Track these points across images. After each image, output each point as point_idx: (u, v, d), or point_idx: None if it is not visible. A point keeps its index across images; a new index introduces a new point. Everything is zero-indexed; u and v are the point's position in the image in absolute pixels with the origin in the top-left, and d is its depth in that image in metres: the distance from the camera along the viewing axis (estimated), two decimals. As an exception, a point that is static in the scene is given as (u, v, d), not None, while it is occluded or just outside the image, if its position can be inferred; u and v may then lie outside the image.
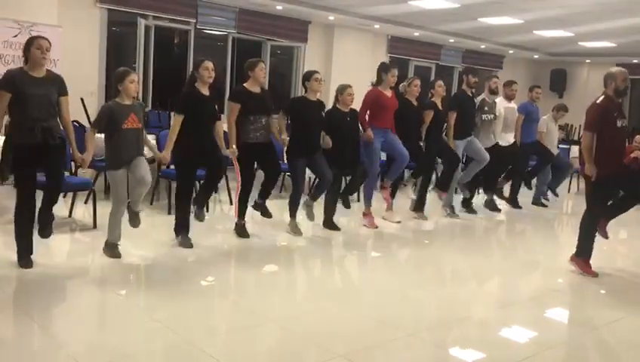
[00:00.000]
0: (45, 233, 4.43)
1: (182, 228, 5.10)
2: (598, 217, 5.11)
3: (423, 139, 6.69)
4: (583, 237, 5.08)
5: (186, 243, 5.05)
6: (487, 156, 7.00)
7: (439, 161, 7.25)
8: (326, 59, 11.59)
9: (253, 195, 5.58)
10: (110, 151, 4.62)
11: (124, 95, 4.58)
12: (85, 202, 6.08)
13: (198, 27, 10.09)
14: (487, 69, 14.63)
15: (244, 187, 5.39)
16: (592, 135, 4.90)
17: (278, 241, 5.66)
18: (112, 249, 4.69)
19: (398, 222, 6.59)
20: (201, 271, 4.64)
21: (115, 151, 4.58)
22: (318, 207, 5.99)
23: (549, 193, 8.60)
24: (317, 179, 6.09)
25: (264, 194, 5.59)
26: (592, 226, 5.06)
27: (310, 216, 5.87)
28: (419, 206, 6.94)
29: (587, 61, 14.79)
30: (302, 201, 5.84)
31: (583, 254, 5.07)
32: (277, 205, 6.44)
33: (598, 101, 4.98)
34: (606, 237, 5.28)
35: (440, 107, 6.72)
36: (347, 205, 6.18)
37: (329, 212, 6.07)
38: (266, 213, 5.63)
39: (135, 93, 4.64)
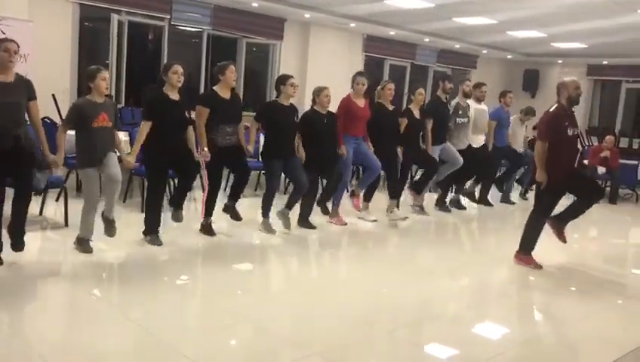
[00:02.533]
0: (17, 246, 4.27)
1: (152, 230, 5.04)
2: (544, 217, 5.22)
3: (400, 145, 6.70)
4: (529, 234, 5.24)
5: (155, 241, 5.01)
6: (461, 160, 7.09)
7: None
8: (302, 57, 11.58)
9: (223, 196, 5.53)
10: (80, 149, 4.57)
11: (95, 92, 4.54)
12: (56, 200, 5.98)
13: (173, 23, 9.98)
14: (462, 68, 14.80)
15: (212, 189, 5.36)
16: (543, 144, 5.03)
17: (253, 240, 5.63)
18: (83, 244, 4.64)
19: (374, 220, 6.63)
20: (176, 269, 4.60)
21: (86, 150, 4.53)
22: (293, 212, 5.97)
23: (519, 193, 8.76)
24: (290, 184, 6.02)
25: (234, 196, 5.56)
26: (538, 225, 5.21)
27: (287, 226, 5.82)
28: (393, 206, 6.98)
29: (559, 62, 15.01)
30: (278, 210, 5.81)
31: (525, 248, 5.25)
32: (252, 204, 6.42)
33: (550, 110, 5.12)
34: (564, 241, 5.31)
35: (417, 115, 6.76)
36: (325, 211, 6.17)
37: (305, 211, 6.06)
38: (235, 216, 5.58)
39: (106, 90, 4.58)
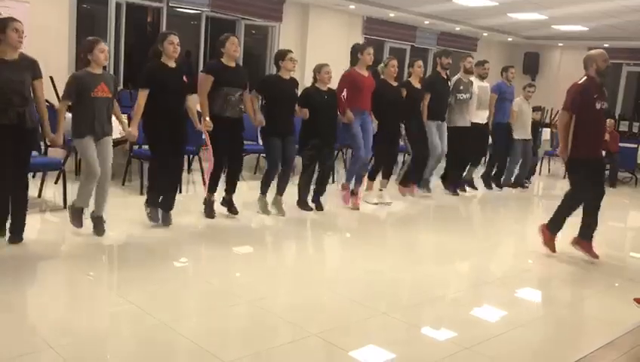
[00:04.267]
0: (15, 237, 4.31)
1: (153, 201, 5.04)
2: (580, 200, 5.03)
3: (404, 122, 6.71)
4: (559, 213, 5.11)
5: (154, 217, 5.03)
6: (439, 149, 7.02)
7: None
8: (301, 39, 11.48)
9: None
10: (78, 119, 4.49)
11: (94, 64, 4.49)
12: (55, 182, 5.97)
13: (171, 5, 9.87)
14: (462, 51, 14.66)
15: (218, 161, 5.30)
16: (568, 115, 4.88)
17: (252, 222, 5.64)
18: (75, 215, 4.60)
19: (389, 203, 6.66)
20: (175, 251, 4.61)
21: (83, 119, 4.47)
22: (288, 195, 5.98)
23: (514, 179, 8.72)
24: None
25: (230, 188, 5.52)
26: (571, 207, 5.07)
27: (281, 212, 5.79)
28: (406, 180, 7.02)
29: (560, 44, 14.92)
30: (271, 201, 5.80)
31: (552, 229, 5.16)
32: (252, 187, 6.41)
33: (579, 81, 4.97)
34: (596, 257, 5.06)
35: (417, 86, 6.76)
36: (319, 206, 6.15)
37: (303, 192, 6.05)
38: (232, 210, 5.54)
39: (105, 62, 4.52)
